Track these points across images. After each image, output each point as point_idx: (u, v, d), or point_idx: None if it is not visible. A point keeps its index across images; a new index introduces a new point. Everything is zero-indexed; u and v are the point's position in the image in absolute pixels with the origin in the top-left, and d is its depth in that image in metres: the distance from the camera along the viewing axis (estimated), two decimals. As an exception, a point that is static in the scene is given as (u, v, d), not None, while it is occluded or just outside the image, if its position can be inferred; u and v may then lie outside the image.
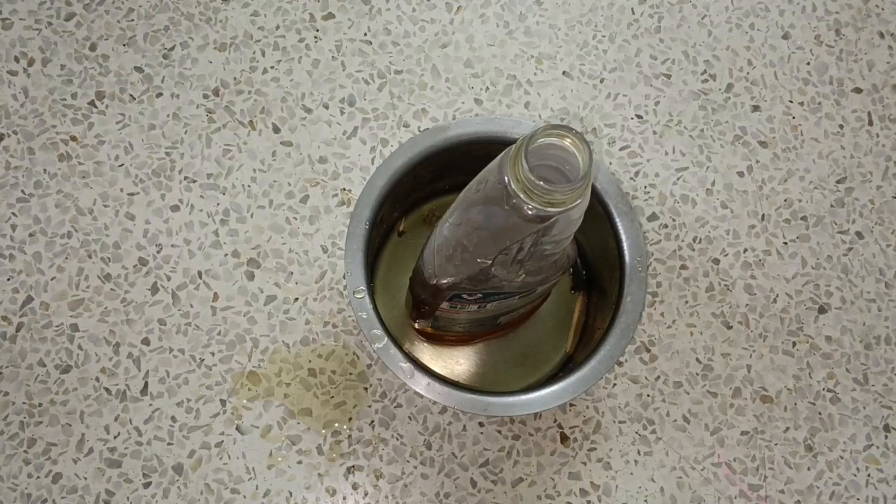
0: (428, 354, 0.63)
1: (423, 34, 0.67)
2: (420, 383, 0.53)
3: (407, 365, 0.53)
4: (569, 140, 0.39)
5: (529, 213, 0.39)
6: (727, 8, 0.69)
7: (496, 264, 0.44)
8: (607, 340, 0.55)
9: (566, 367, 0.61)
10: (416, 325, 0.60)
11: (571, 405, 0.61)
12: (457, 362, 0.63)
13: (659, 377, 0.62)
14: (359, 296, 0.54)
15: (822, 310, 0.64)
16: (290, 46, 0.66)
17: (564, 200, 0.39)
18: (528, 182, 0.38)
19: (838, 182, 0.67)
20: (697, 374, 0.62)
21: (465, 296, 0.49)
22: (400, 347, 0.53)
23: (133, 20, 0.66)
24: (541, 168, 0.40)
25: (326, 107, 0.65)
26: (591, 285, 0.64)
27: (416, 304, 0.56)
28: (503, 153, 0.41)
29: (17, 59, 0.64)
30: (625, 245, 0.57)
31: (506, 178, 0.39)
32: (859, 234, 0.66)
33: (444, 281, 0.48)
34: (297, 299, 0.62)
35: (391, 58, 0.66)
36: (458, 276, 0.47)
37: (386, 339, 0.53)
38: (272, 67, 0.66)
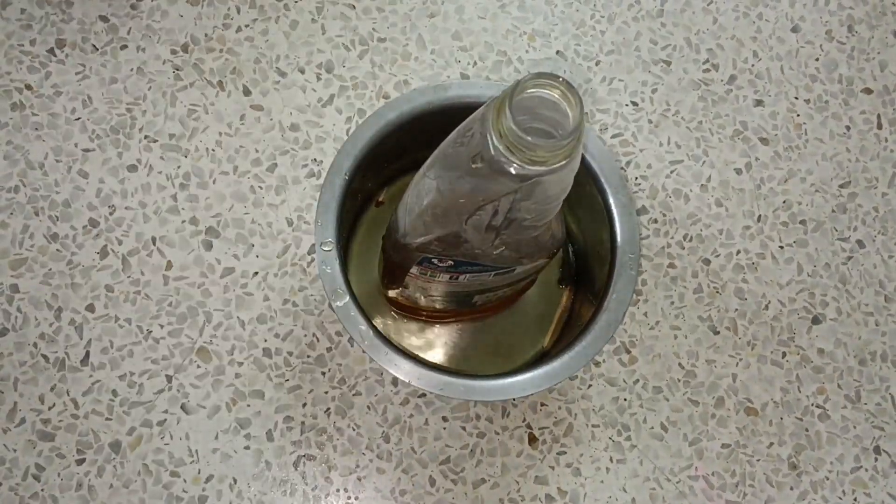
0: (398, 333, 0.59)
1: (410, 1, 0.63)
2: (378, 351, 0.49)
3: (365, 328, 0.49)
4: (558, 92, 0.35)
5: (510, 171, 0.35)
6: (735, -5, 0.65)
7: (469, 226, 0.40)
8: (585, 337, 0.51)
9: (538, 362, 0.57)
10: (389, 293, 0.56)
11: (542, 405, 0.57)
12: (427, 342, 0.59)
13: (638, 381, 0.58)
14: (326, 248, 0.50)
15: (815, 320, 0.60)
16: (267, 5, 0.62)
17: (548, 158, 0.35)
18: (511, 135, 0.34)
19: (841, 186, 0.63)
20: (679, 381, 0.58)
21: (435, 260, 0.45)
22: (362, 310, 0.50)
23: (102, -34, 0.62)
24: (528, 130, 0.36)
25: (302, 71, 0.61)
26: (580, 280, 0.60)
27: (388, 266, 0.52)
28: (486, 104, 0.37)
29: (-27, -1, 0.60)
30: (619, 240, 0.53)
31: (489, 132, 0.35)
32: (860, 243, 0.62)
33: (415, 240, 0.44)
34: (256, 273, 0.58)
35: (375, 24, 0.62)
36: (429, 236, 0.43)
37: (348, 297, 0.49)
38: (247, 26, 0.62)
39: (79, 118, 0.59)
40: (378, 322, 0.59)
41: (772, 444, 0.58)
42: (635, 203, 0.61)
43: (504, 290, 0.52)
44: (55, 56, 0.60)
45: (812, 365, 0.59)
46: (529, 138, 0.34)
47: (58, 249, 0.57)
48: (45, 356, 0.56)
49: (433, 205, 0.41)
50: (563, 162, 0.35)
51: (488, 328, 0.59)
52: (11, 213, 0.57)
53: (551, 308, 0.60)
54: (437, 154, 0.41)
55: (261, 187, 0.59)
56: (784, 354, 0.59)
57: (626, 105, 0.63)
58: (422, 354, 0.59)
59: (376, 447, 0.56)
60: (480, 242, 0.42)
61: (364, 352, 0.49)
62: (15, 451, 0.54)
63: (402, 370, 0.50)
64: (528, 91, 0.35)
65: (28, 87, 0.59)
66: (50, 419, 0.55)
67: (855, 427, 0.59)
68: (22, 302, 0.56)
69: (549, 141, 0.34)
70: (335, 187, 0.51)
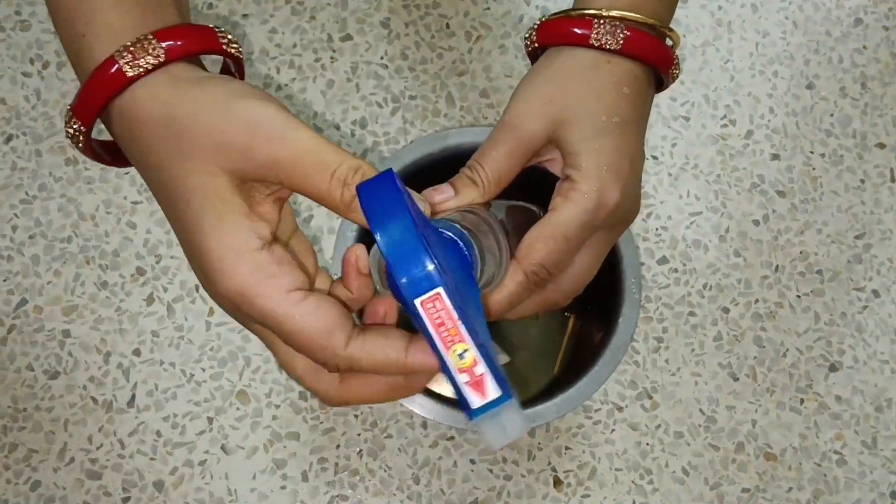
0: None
1: (440, 61, 0.66)
2: None
3: None
4: None
5: None
6: (751, 54, 0.68)
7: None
8: (597, 362, 0.53)
9: (551, 390, 0.59)
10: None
11: (567, 448, 0.59)
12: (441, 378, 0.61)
13: (660, 426, 0.60)
14: None
15: (833, 368, 0.62)
16: (305, 65, 0.66)
17: None
18: None
19: (857, 238, 0.65)
20: (700, 426, 0.60)
21: None
22: None
23: (152, 30, 0.66)
24: None
25: (338, 128, 0.65)
26: (585, 307, 0.62)
27: None
28: None
29: (31, 62, 0.64)
30: (622, 265, 0.55)
31: None
32: (876, 293, 0.64)
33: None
34: (293, 320, 0.60)
35: (406, 83, 0.66)
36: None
37: None
38: (286, 85, 0.65)
39: (128, 173, 0.63)
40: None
41: (791, 488, 0.60)
42: (632, 232, 0.63)
43: None
44: (107, 114, 0.64)
45: (829, 411, 0.61)
46: None
47: (107, 296, 0.60)
48: (93, 398, 0.59)
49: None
50: None
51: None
52: (64, 262, 0.61)
53: (559, 337, 0.62)
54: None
55: (298, 238, 0.62)
56: (802, 401, 0.61)
57: (647, 159, 0.65)
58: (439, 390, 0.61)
59: (406, 488, 0.58)
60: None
61: (396, 414, 0.52)
62: (65, 489, 0.57)
63: (422, 406, 0.52)
64: None
65: (81, 143, 0.63)
66: (98, 458, 0.58)
67: (872, 472, 0.60)
68: (73, 346, 0.59)
69: None
70: (346, 238, 0.53)
